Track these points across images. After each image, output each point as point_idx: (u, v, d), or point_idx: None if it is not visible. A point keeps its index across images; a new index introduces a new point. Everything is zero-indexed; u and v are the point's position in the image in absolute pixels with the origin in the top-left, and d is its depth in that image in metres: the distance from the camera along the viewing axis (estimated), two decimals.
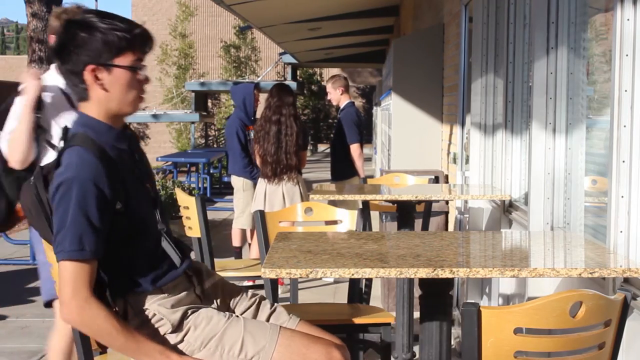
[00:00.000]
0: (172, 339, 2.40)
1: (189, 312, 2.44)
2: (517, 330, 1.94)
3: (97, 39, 2.35)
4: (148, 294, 2.41)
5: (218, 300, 2.62)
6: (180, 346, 2.39)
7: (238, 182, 7.32)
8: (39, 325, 5.70)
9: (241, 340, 2.39)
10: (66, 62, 2.40)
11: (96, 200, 2.28)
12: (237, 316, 2.47)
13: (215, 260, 4.36)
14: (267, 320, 2.60)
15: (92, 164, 2.30)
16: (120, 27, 2.37)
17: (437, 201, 5.68)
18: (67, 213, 2.27)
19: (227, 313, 2.48)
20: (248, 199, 7.16)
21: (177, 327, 2.40)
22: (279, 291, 6.28)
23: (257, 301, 2.67)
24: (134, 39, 2.39)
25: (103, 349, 2.67)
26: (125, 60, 2.38)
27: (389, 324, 3.39)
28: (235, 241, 7.45)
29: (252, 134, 7.08)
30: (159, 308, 2.41)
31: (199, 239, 4.23)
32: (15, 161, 3.53)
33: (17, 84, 3.62)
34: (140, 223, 2.43)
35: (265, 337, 2.41)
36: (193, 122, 21.58)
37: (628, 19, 2.50)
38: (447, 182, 6.87)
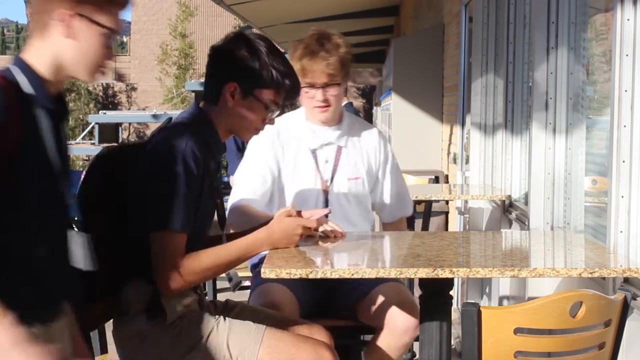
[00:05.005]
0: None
1: (185, 314, 2.44)
2: (517, 330, 1.94)
3: (254, 64, 2.41)
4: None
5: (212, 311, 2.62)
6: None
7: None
8: None
9: (226, 341, 2.40)
10: (216, 62, 2.49)
11: (191, 176, 2.32)
12: (225, 318, 2.47)
13: None
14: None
15: (189, 146, 2.33)
16: (278, 67, 2.43)
17: (437, 201, 5.68)
18: (169, 185, 2.30)
19: (217, 316, 2.48)
20: None
21: (170, 324, 2.40)
22: None
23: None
24: (284, 84, 2.44)
25: (103, 349, 2.67)
26: (265, 95, 2.43)
27: None
28: None
29: None
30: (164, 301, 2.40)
31: None
32: None
33: None
34: (196, 235, 2.41)
35: (249, 336, 2.41)
36: None
37: (628, 19, 2.50)
38: (447, 182, 6.87)
